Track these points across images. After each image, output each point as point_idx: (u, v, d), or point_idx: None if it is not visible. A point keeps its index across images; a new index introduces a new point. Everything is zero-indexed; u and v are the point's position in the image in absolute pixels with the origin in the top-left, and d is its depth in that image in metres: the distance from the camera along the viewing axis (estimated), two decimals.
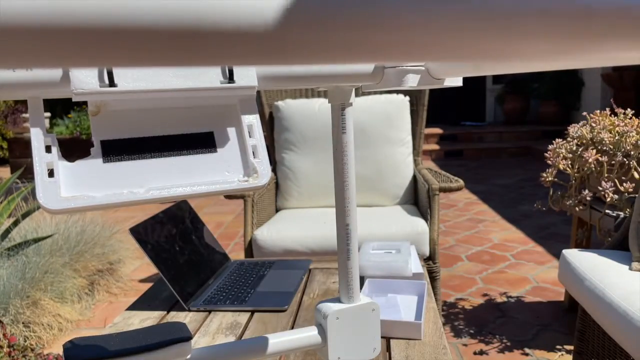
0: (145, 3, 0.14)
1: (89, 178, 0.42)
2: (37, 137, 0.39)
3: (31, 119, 0.39)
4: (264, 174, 0.46)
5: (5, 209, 2.53)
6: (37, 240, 2.41)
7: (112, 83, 0.39)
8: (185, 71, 0.42)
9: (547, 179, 1.95)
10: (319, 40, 0.16)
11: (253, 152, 0.46)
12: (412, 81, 0.60)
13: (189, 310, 1.24)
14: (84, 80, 0.38)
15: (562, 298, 2.38)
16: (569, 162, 1.95)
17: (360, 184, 2.27)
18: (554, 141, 2.02)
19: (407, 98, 2.39)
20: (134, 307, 1.29)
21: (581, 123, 2.05)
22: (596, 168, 1.87)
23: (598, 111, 2.03)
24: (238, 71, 0.44)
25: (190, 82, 0.42)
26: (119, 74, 0.39)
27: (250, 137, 0.46)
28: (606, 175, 1.84)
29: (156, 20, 0.15)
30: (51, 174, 0.39)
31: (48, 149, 0.40)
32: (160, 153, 0.45)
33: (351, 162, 0.66)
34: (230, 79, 0.44)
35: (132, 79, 0.40)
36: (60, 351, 1.84)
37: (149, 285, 2.29)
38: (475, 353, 1.93)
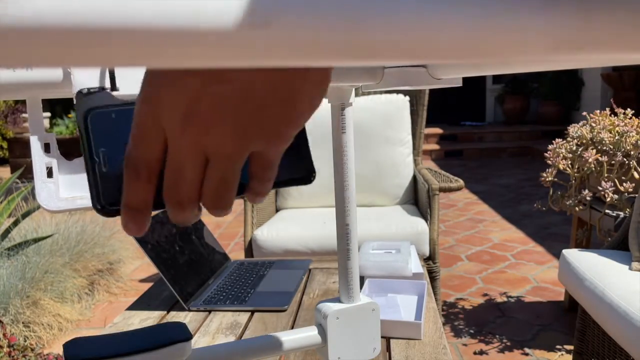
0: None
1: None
2: (36, 137, 0.39)
3: (30, 119, 0.39)
4: None
5: (5, 208, 2.53)
6: (37, 240, 2.41)
7: (113, 87, 0.39)
8: None
9: (547, 179, 1.95)
10: (315, 40, 0.16)
11: None
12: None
13: (189, 310, 1.24)
14: (85, 84, 0.38)
15: (562, 298, 2.38)
16: (569, 162, 1.95)
17: (360, 184, 2.27)
18: (554, 141, 2.02)
19: (407, 98, 2.39)
20: (134, 307, 1.29)
21: (581, 123, 2.05)
22: (596, 168, 1.87)
23: (598, 111, 2.03)
24: None
25: None
26: (121, 77, 0.39)
27: None
28: (606, 175, 1.84)
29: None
30: (50, 173, 0.39)
31: (47, 149, 0.40)
32: None
33: (351, 162, 0.66)
34: None
35: (133, 81, 0.40)
36: (60, 351, 1.84)
37: (149, 285, 2.29)
38: (475, 353, 1.93)
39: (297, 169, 0.39)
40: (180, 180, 0.28)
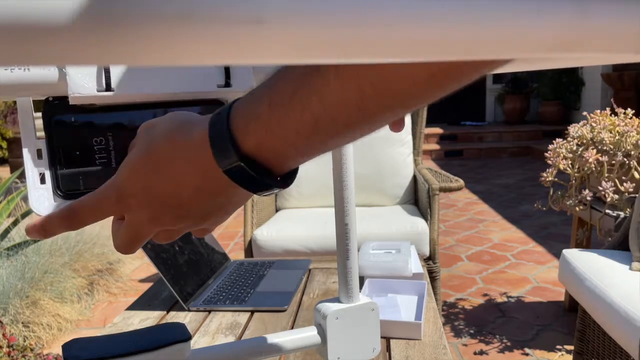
0: None
1: None
2: (28, 143, 0.39)
3: (22, 126, 0.39)
4: None
5: (4, 208, 2.53)
6: (36, 240, 2.41)
7: (108, 87, 0.39)
8: (183, 74, 0.42)
9: (547, 179, 1.95)
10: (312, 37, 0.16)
11: None
12: None
13: (189, 310, 1.24)
14: (81, 84, 0.38)
15: (562, 298, 2.38)
16: (569, 162, 1.95)
17: (360, 183, 2.27)
18: (554, 141, 2.01)
19: None
20: (133, 307, 1.29)
21: (581, 123, 2.05)
22: (596, 168, 1.87)
23: (598, 111, 2.03)
24: (235, 74, 0.44)
25: (188, 86, 0.42)
26: (116, 77, 0.39)
27: None
28: (606, 175, 1.84)
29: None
30: (43, 179, 0.39)
31: (39, 155, 0.40)
32: None
33: (350, 162, 0.66)
34: (227, 82, 0.43)
35: (129, 82, 0.40)
36: (60, 351, 1.84)
37: (148, 285, 2.29)
38: (475, 353, 1.93)
39: None
40: (137, 241, 0.39)
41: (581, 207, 1.94)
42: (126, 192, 0.36)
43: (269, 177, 0.33)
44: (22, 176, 5.94)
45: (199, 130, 0.33)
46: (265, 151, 0.32)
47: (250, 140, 0.31)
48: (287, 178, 0.35)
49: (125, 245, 0.39)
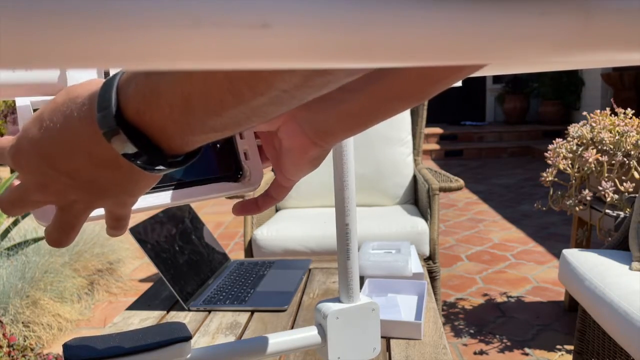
0: None
1: None
2: None
3: (20, 124, 0.39)
4: (255, 177, 0.45)
5: None
6: (36, 240, 2.41)
7: None
8: None
9: (547, 179, 1.95)
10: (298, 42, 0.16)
11: (245, 155, 0.45)
12: None
13: (189, 310, 1.24)
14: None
15: (562, 298, 2.38)
16: (569, 162, 1.95)
17: (360, 183, 2.27)
18: (554, 141, 2.01)
19: None
20: (133, 307, 1.29)
21: (581, 123, 2.05)
22: (596, 168, 1.87)
23: (598, 111, 2.03)
24: None
25: None
26: None
27: (241, 139, 0.46)
28: (606, 175, 1.84)
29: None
30: None
31: None
32: None
33: (350, 161, 0.66)
34: None
35: None
36: (60, 351, 1.84)
37: (148, 285, 2.29)
38: (475, 353, 1.93)
39: (223, 168, 0.44)
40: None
41: (581, 207, 1.94)
42: (19, 148, 0.32)
43: (153, 152, 0.29)
44: None
45: (97, 86, 0.30)
46: (146, 121, 0.29)
47: (131, 106, 0.28)
48: (184, 158, 0.31)
49: (6, 204, 0.36)
